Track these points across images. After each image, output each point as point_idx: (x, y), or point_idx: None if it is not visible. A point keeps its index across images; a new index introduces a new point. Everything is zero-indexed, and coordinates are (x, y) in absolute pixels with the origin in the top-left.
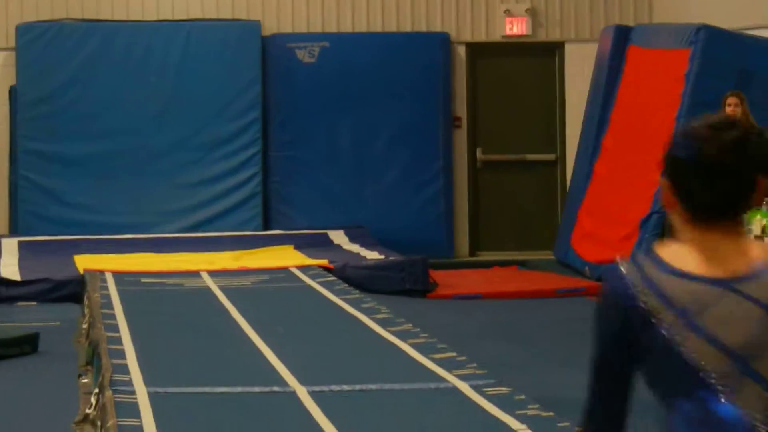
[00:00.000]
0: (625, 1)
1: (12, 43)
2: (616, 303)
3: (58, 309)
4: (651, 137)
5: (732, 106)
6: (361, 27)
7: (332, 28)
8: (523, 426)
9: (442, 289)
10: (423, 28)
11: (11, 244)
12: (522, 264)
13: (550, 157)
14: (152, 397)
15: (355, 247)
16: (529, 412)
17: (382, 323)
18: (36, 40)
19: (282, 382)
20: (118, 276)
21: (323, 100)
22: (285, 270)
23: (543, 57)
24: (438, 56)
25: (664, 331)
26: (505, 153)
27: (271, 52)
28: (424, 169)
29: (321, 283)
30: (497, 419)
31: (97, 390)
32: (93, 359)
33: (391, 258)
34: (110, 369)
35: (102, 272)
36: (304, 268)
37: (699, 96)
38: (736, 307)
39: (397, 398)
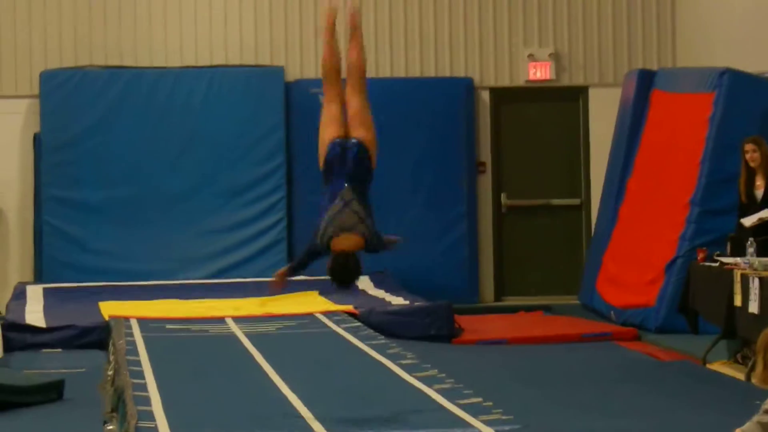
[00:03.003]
0: (649, 45)
1: (36, 91)
2: None
3: (84, 356)
4: (675, 181)
5: (750, 152)
6: (385, 72)
7: None
8: None
9: (468, 334)
10: (447, 74)
11: (36, 291)
12: (547, 309)
13: (575, 201)
14: None
15: (380, 293)
16: None
17: (408, 369)
18: (60, 87)
19: (307, 428)
20: (143, 322)
21: None
22: (310, 316)
23: (567, 101)
24: (462, 101)
25: None
26: (530, 198)
27: (295, 97)
28: (447, 213)
29: (346, 329)
30: None
31: None
32: (118, 406)
33: (416, 303)
34: (136, 416)
35: (127, 319)
36: (329, 314)
37: (723, 139)
38: None
39: None
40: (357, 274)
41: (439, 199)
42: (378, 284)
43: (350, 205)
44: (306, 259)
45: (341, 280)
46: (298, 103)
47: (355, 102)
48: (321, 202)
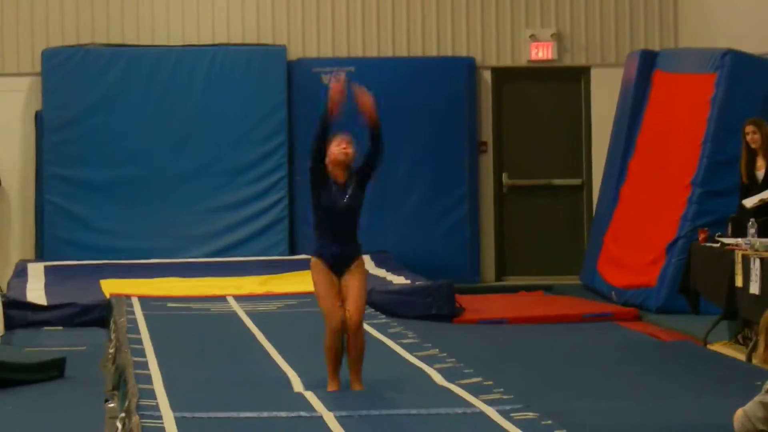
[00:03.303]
0: (651, 26)
1: (38, 68)
2: None
3: (85, 334)
4: (677, 162)
5: (750, 134)
6: (387, 51)
7: (358, 52)
8: None
9: (469, 313)
10: (449, 53)
11: (37, 269)
12: (548, 289)
13: (576, 181)
14: (179, 422)
15: (381, 272)
16: None
17: (409, 348)
18: (62, 65)
19: (309, 407)
20: (145, 301)
21: (349, 124)
22: (311, 294)
23: (569, 82)
24: (464, 81)
25: None
26: (531, 178)
27: (297, 76)
28: (449, 193)
29: None
30: None
31: (123, 415)
32: (119, 384)
33: (417, 283)
34: (137, 394)
35: (128, 297)
36: None
37: (724, 120)
38: None
39: (424, 423)
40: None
41: (440, 179)
42: (379, 263)
43: None
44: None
45: None
46: (300, 82)
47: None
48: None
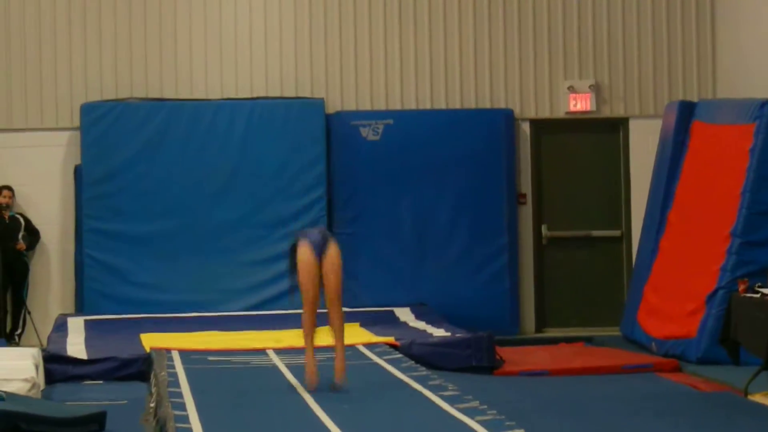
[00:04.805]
0: (689, 77)
1: (77, 123)
2: None
3: (125, 388)
4: (716, 212)
5: None
6: (425, 104)
7: (396, 105)
8: None
9: (509, 365)
10: (487, 105)
11: (77, 323)
12: (588, 340)
13: (616, 233)
14: None
15: (421, 324)
16: None
17: (450, 400)
18: (100, 120)
19: None
20: (185, 354)
21: (387, 177)
22: (351, 347)
23: (607, 133)
24: (502, 132)
25: None
26: (571, 229)
27: (335, 129)
28: (488, 245)
29: (387, 361)
30: None
31: None
32: None
33: (457, 335)
34: None
35: (168, 350)
36: (370, 346)
37: (763, 170)
38: None
39: None
40: None
41: (480, 230)
42: (419, 316)
43: None
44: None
45: None
46: (338, 134)
47: None
48: None
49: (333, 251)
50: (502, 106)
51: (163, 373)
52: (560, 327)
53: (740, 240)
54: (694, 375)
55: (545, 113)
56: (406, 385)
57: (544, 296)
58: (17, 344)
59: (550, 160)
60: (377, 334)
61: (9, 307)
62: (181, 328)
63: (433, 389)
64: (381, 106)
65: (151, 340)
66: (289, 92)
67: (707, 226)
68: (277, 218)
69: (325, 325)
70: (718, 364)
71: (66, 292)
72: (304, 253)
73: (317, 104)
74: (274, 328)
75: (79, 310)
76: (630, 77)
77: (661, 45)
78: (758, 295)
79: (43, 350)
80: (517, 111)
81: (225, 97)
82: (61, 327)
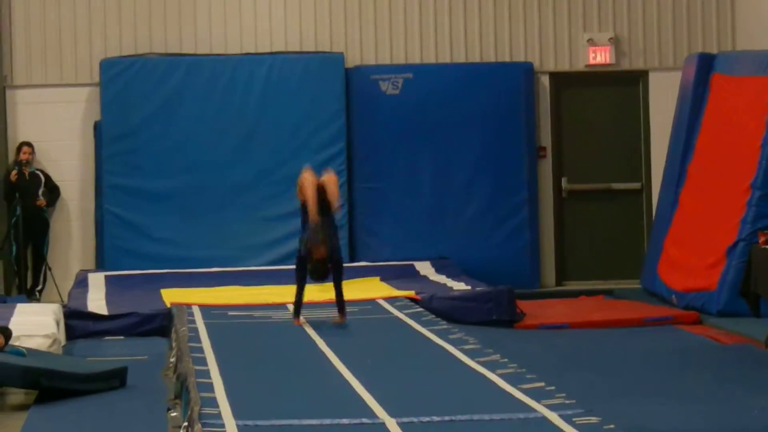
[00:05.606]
0: (708, 29)
1: (96, 79)
2: None
3: (146, 343)
4: (736, 164)
5: None
6: (445, 58)
7: (415, 59)
8: None
9: (529, 319)
10: (507, 59)
11: (98, 279)
12: (608, 293)
13: (636, 185)
14: (241, 430)
15: (441, 278)
16: None
17: (470, 354)
18: (120, 76)
19: (371, 414)
20: (205, 309)
21: (407, 131)
22: (372, 302)
23: (627, 86)
24: (522, 86)
25: None
26: (591, 182)
27: (355, 84)
28: (508, 199)
29: (408, 315)
30: None
31: (186, 424)
32: (181, 393)
33: (478, 289)
34: (199, 402)
35: (189, 306)
36: (391, 300)
37: None
38: None
39: (486, 429)
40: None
41: (500, 184)
42: (439, 270)
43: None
44: (300, 271)
45: (318, 277)
46: (358, 89)
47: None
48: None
49: (330, 172)
50: (522, 59)
51: (183, 328)
52: (580, 280)
53: (760, 192)
54: (714, 327)
55: (565, 66)
56: (427, 339)
57: (564, 250)
58: (38, 300)
59: (569, 113)
60: (398, 288)
61: (30, 264)
62: (202, 284)
63: (454, 343)
64: (400, 60)
65: (171, 296)
66: (309, 47)
67: (727, 179)
68: (297, 174)
69: (353, 277)
70: (739, 317)
71: (86, 248)
72: (306, 170)
73: (337, 59)
74: (293, 283)
75: (100, 266)
76: (649, 30)
77: None
78: None
79: (63, 306)
80: (536, 64)
81: (244, 52)
82: (81, 283)
